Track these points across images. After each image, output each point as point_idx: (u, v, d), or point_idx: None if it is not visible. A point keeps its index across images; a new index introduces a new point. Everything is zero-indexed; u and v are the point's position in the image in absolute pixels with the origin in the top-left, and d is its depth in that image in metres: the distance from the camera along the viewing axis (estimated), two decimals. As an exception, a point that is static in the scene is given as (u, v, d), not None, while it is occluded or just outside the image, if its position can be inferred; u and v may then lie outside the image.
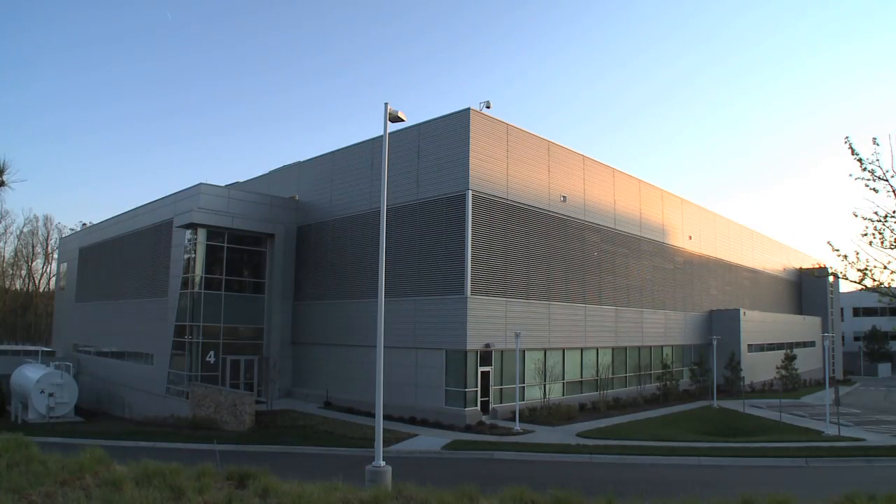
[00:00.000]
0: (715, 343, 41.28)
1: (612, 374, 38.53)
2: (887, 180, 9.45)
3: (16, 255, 76.82)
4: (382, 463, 14.40)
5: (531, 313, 32.27)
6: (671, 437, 26.44)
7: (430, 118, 31.75)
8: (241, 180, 47.72)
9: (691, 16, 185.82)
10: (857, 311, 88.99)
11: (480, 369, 29.51)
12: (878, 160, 9.45)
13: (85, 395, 39.21)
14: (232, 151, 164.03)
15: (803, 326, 61.13)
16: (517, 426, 26.78)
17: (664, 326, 44.13)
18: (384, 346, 15.88)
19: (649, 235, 43.11)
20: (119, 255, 45.81)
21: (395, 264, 31.51)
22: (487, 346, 29.38)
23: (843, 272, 9.92)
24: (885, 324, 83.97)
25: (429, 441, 24.64)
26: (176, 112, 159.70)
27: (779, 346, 51.74)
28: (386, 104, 16.24)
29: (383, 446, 15.04)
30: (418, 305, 30.92)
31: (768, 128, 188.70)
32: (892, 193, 9.47)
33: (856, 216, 9.76)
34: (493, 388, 30.17)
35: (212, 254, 36.93)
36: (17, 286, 77.51)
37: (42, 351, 47.67)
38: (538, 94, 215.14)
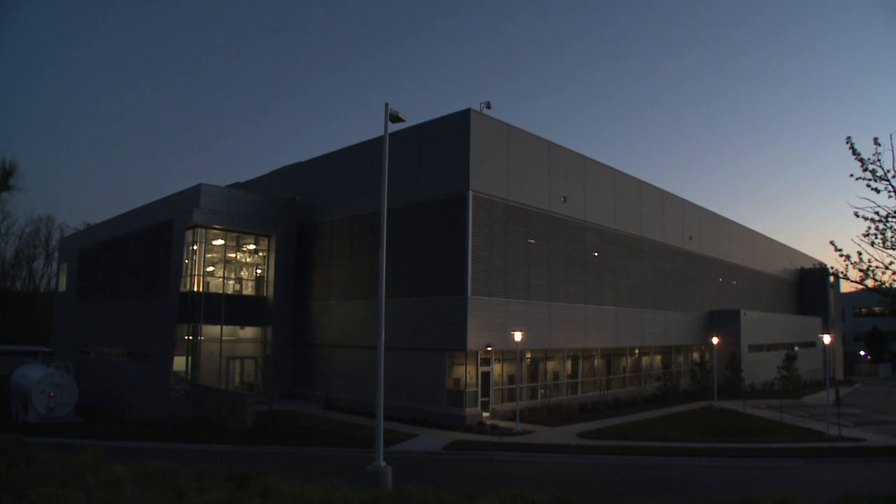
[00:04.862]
0: (715, 343, 41.28)
1: (613, 374, 38.55)
2: (888, 180, 9.42)
3: (17, 255, 76.72)
4: (383, 463, 14.41)
5: (531, 313, 32.24)
6: (671, 438, 26.43)
7: (431, 118, 31.80)
8: (242, 180, 47.72)
9: (693, 17, 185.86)
10: (857, 312, 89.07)
11: (481, 369, 29.51)
12: (879, 160, 9.42)
13: (85, 396, 39.09)
14: (232, 151, 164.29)
15: (803, 326, 61.14)
16: (517, 426, 26.76)
17: (664, 326, 44.11)
18: (385, 347, 15.90)
19: (649, 235, 43.09)
20: (120, 256, 45.78)
21: (395, 265, 31.48)
22: (488, 346, 29.37)
23: (844, 272, 9.91)
24: (885, 324, 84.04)
25: (429, 441, 24.62)
26: (177, 112, 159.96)
27: (779, 347, 51.75)
28: (386, 104, 16.27)
29: (384, 447, 15.05)
30: (419, 306, 30.89)
31: (769, 128, 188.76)
32: (893, 194, 9.45)
33: (857, 216, 9.73)
34: (493, 389, 30.16)
35: (212, 254, 36.99)
36: (18, 286, 77.38)
37: (42, 351, 47.54)
38: (539, 97, 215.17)
